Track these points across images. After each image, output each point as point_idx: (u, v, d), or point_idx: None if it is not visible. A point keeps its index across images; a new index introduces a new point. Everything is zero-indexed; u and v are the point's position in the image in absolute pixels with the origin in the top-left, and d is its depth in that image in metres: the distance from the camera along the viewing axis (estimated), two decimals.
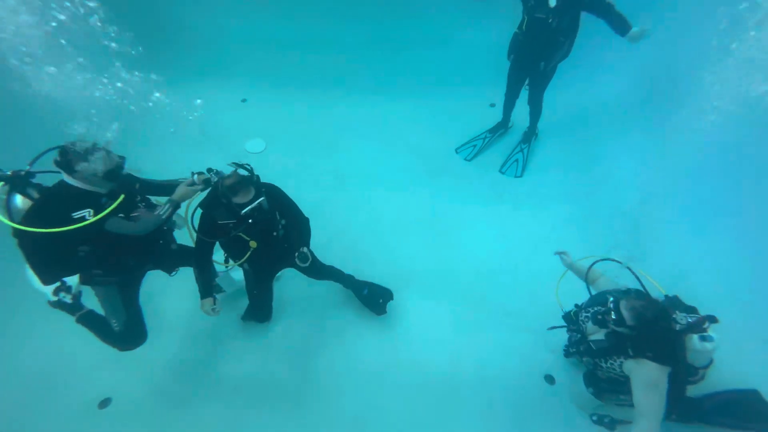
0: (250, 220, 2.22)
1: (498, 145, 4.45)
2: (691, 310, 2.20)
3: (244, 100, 4.79)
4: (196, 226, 2.35)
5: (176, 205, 2.28)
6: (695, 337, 2.00)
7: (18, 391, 2.81)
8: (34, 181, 2.02)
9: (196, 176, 2.43)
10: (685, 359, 2.03)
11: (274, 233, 2.46)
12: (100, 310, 2.47)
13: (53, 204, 1.96)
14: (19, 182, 1.96)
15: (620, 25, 3.07)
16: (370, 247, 3.63)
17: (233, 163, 2.29)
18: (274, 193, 2.44)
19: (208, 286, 2.42)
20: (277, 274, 2.97)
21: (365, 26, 5.24)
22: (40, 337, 3.04)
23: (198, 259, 2.38)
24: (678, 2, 3.91)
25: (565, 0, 2.95)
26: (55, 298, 2.36)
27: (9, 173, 1.96)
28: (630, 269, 2.34)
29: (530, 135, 4.23)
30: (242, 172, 2.29)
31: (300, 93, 4.93)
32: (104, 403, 2.79)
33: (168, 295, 3.15)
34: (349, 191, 4.04)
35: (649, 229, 3.57)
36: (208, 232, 2.29)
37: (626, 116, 4.37)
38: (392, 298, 3.23)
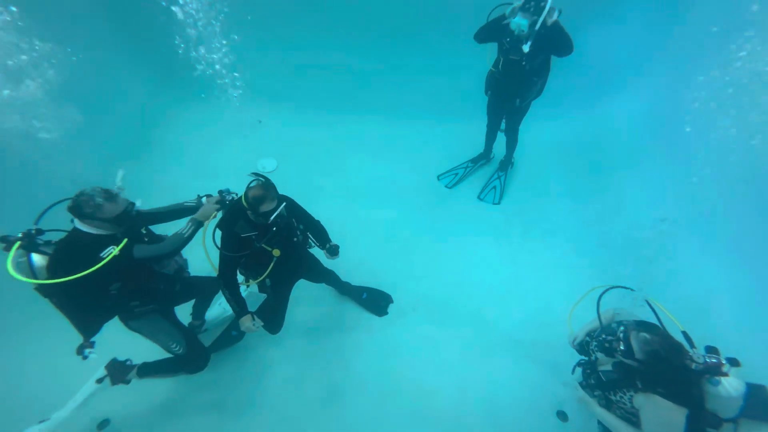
0: (274, 228, 2.27)
1: (488, 173, 4.47)
2: (711, 350, 2.05)
3: (259, 121, 4.92)
4: (218, 244, 2.35)
5: (198, 224, 2.33)
6: (721, 381, 1.80)
7: (11, 414, 2.72)
8: (44, 238, 2.03)
9: (204, 198, 2.50)
10: (704, 404, 1.84)
11: (294, 239, 2.52)
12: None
13: (76, 250, 1.96)
14: (32, 242, 1.98)
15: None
16: (378, 267, 3.60)
17: (253, 173, 2.32)
18: (287, 201, 2.50)
19: (242, 303, 2.42)
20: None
21: (377, 53, 5.39)
22: (33, 359, 2.98)
23: (225, 276, 2.37)
24: (692, 31, 3.97)
25: (536, 45, 3.20)
26: (104, 375, 2.50)
27: (20, 235, 1.97)
28: (640, 296, 2.24)
29: (507, 164, 4.39)
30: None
31: (311, 115, 5.05)
32: (103, 424, 2.73)
33: None
34: (357, 211, 4.05)
35: (664, 260, 3.47)
36: (232, 247, 2.30)
37: (639, 144, 4.35)
38: (392, 301, 3.31)
